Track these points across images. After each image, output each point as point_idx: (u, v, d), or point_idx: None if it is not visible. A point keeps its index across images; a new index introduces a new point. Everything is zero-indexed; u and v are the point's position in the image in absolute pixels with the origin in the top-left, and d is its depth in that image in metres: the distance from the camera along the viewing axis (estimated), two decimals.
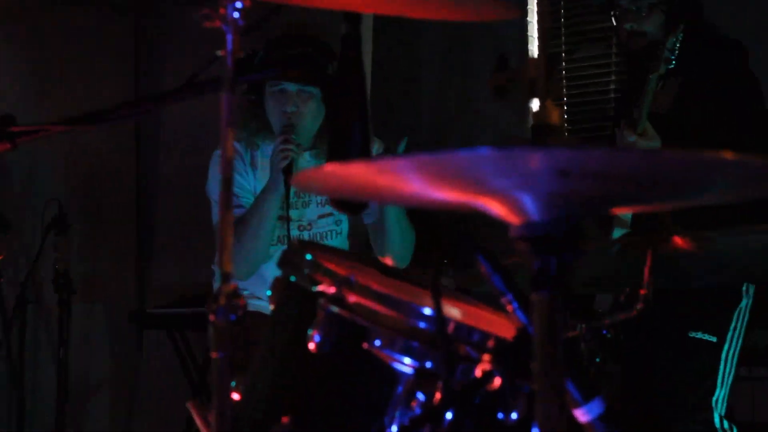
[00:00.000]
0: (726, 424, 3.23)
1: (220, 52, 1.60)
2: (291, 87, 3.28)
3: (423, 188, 1.18)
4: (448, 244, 4.62)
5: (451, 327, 1.56)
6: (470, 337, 1.57)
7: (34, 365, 5.06)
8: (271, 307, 1.79)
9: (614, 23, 3.46)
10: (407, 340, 1.55)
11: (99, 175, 5.39)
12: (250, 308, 3.47)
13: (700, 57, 3.30)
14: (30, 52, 5.21)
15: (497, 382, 1.50)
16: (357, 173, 1.18)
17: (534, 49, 4.67)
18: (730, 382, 3.26)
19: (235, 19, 1.58)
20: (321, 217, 3.46)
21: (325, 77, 3.01)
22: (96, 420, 5.35)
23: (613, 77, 4.66)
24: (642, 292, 2.40)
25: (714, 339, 3.24)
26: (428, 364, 1.55)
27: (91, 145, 5.31)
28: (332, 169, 1.19)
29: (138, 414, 5.44)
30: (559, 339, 1.21)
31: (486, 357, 1.51)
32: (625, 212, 1.13)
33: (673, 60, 3.19)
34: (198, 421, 1.78)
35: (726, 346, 3.24)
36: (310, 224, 3.46)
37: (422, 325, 1.56)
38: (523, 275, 1.23)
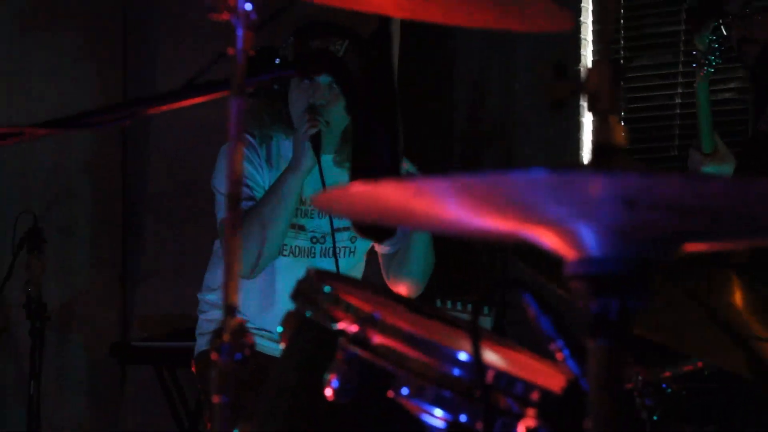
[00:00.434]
0: None
1: (228, 50, 1.60)
2: (323, 79, 3.32)
3: (464, 214, 1.18)
4: (486, 278, 4.64)
5: (490, 375, 1.56)
6: (512, 387, 1.57)
7: (0, 402, 5.07)
8: (282, 345, 1.79)
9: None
10: (439, 389, 1.55)
11: (79, 185, 5.41)
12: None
13: None
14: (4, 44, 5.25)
15: None
16: (388, 195, 1.18)
17: (589, 54, 4.67)
18: None
19: (246, 11, 1.58)
20: (337, 231, 3.46)
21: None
22: None
23: (679, 89, 4.66)
24: None
25: None
26: (462, 418, 1.54)
27: (72, 152, 5.33)
28: (360, 189, 1.18)
29: None
30: (619, 395, 1.21)
31: (530, 412, 1.51)
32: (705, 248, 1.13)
33: None
34: None
35: None
36: (324, 237, 3.48)
37: (457, 372, 1.56)
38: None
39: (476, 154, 5.07)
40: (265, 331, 3.43)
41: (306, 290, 1.77)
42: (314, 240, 3.48)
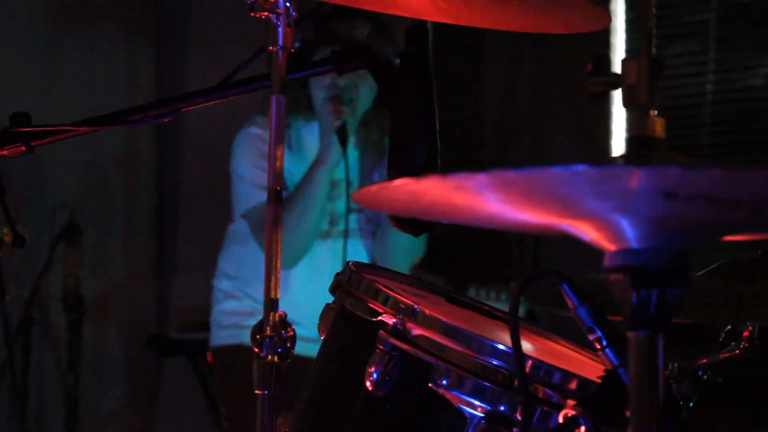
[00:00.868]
0: None
1: (269, 47, 1.61)
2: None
3: (504, 208, 1.19)
4: (519, 268, 4.63)
5: (528, 365, 1.56)
6: (550, 377, 1.57)
7: (39, 394, 5.10)
8: (322, 337, 1.80)
9: None
10: (478, 380, 1.56)
11: (115, 179, 5.44)
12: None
13: None
14: (38, 36, 5.27)
15: (582, 431, 1.50)
16: (429, 190, 1.19)
17: (620, 43, 4.66)
18: None
19: (287, 8, 1.60)
20: (351, 212, 3.47)
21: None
22: None
23: (710, 77, 4.64)
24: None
25: None
26: (502, 408, 1.55)
27: (107, 146, 5.35)
28: (401, 184, 1.19)
29: None
30: (658, 385, 1.21)
31: (570, 401, 1.51)
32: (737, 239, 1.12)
33: None
34: None
35: None
36: (337, 219, 3.47)
37: (496, 362, 1.57)
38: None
39: (506, 144, 5.07)
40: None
41: (344, 282, 1.78)
42: (332, 221, 3.47)
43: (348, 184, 3.43)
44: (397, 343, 1.60)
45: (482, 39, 5.13)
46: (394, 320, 1.62)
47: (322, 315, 1.81)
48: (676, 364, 2.44)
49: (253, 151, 3.42)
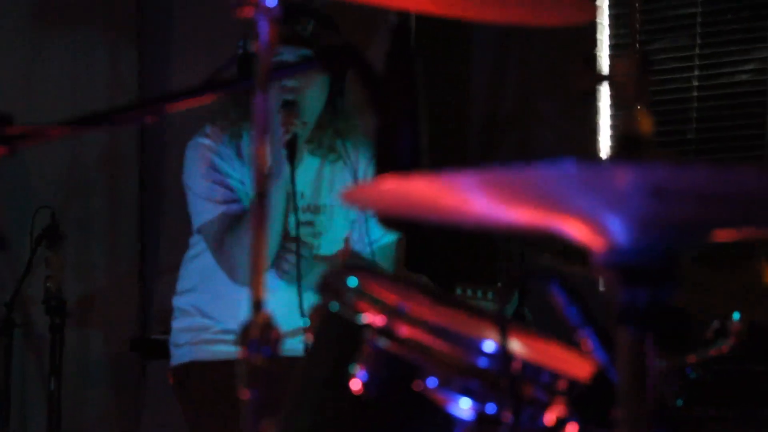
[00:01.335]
0: None
1: (252, 46, 1.61)
2: (291, 56, 3.13)
3: (492, 208, 1.19)
4: (507, 267, 4.64)
5: (516, 365, 1.57)
6: (539, 377, 1.58)
7: (21, 398, 5.09)
8: (309, 339, 1.81)
9: None
10: (466, 380, 1.56)
11: (97, 181, 5.42)
12: (216, 354, 3.44)
13: None
14: (20, 36, 5.26)
15: (571, 429, 1.51)
16: (417, 189, 1.19)
17: (605, 39, 4.67)
18: None
19: (270, 7, 1.59)
20: (300, 224, 3.35)
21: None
22: None
23: (696, 72, 4.65)
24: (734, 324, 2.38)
25: None
26: (490, 408, 1.56)
27: (89, 147, 5.34)
28: (388, 184, 1.20)
29: None
30: (648, 384, 1.22)
31: (558, 401, 1.52)
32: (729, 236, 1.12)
33: None
34: None
35: None
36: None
37: (483, 362, 1.57)
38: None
39: (493, 143, 5.07)
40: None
41: (332, 283, 1.78)
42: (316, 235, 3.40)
43: (299, 196, 3.35)
44: (384, 343, 1.60)
45: (468, 37, 5.14)
46: (381, 320, 1.62)
47: (309, 315, 1.82)
48: (664, 362, 2.44)
49: (202, 163, 3.34)
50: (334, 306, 1.74)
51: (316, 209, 3.39)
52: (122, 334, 5.19)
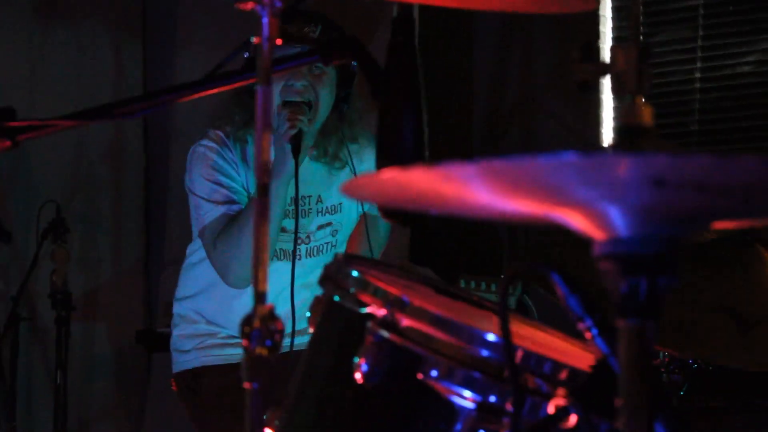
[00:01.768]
0: None
1: (254, 39, 1.60)
2: (289, 49, 3.04)
3: (493, 198, 1.19)
4: (509, 258, 4.64)
5: (518, 355, 1.57)
6: (540, 367, 1.58)
7: (27, 391, 5.10)
8: (311, 330, 1.81)
9: None
10: (468, 371, 1.56)
11: (102, 175, 5.43)
12: (213, 359, 3.43)
13: None
14: (25, 31, 5.26)
15: (572, 420, 1.50)
16: (417, 181, 1.19)
17: (608, 31, 4.66)
18: None
19: (273, 1, 1.59)
20: (320, 228, 3.38)
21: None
22: None
23: (698, 64, 4.65)
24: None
25: None
26: (492, 398, 1.55)
27: (94, 141, 5.35)
28: (389, 175, 1.19)
29: None
30: (649, 374, 1.22)
31: (560, 391, 1.52)
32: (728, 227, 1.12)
33: None
34: None
35: None
36: (308, 236, 3.36)
37: (485, 353, 1.57)
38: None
39: (496, 136, 5.07)
40: None
41: (334, 275, 1.78)
42: (299, 241, 3.32)
43: (314, 200, 3.34)
44: (387, 334, 1.60)
45: (470, 28, 5.13)
46: (384, 311, 1.62)
47: (311, 307, 1.82)
48: (666, 353, 2.45)
49: (205, 165, 3.27)
50: (336, 297, 1.74)
51: (333, 210, 3.37)
52: (127, 326, 5.19)
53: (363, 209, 3.39)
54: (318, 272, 1.79)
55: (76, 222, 5.02)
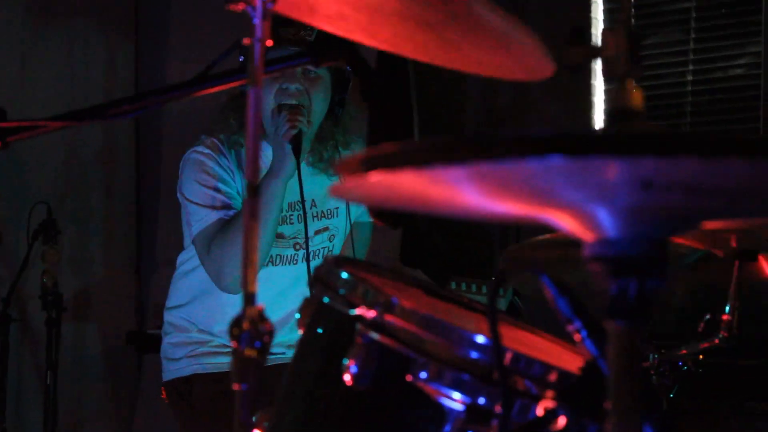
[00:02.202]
0: None
1: (244, 40, 1.60)
2: (279, 51, 3.01)
3: (481, 200, 1.19)
4: (499, 260, 4.64)
5: (508, 357, 1.57)
6: (530, 369, 1.58)
7: (17, 392, 5.09)
8: (300, 332, 1.80)
9: None
10: (457, 373, 1.56)
11: (94, 176, 5.42)
12: (203, 367, 3.42)
13: None
14: (16, 31, 5.25)
15: (561, 422, 1.50)
16: (406, 182, 1.19)
17: (600, 17, 4.67)
18: None
19: (263, 1, 1.59)
20: (317, 233, 3.38)
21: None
22: None
23: (690, 67, 4.65)
24: (725, 317, 2.39)
25: None
26: (481, 400, 1.55)
27: (85, 142, 5.34)
28: (378, 177, 1.19)
29: None
30: (638, 376, 1.22)
31: (549, 393, 1.52)
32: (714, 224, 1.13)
33: None
34: None
35: None
36: (306, 241, 3.32)
37: (475, 354, 1.57)
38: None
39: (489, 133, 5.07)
40: None
41: (323, 276, 1.78)
42: (297, 246, 3.33)
43: (309, 204, 3.33)
44: (376, 336, 1.60)
45: None
46: (373, 313, 1.62)
47: (300, 309, 1.81)
48: (656, 356, 2.45)
49: (200, 171, 3.26)
50: (326, 298, 1.74)
51: (329, 214, 3.36)
52: (118, 327, 5.20)
53: (351, 215, 3.39)
54: None
55: (67, 223, 5.01)
